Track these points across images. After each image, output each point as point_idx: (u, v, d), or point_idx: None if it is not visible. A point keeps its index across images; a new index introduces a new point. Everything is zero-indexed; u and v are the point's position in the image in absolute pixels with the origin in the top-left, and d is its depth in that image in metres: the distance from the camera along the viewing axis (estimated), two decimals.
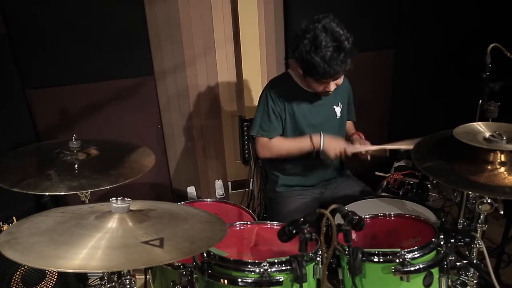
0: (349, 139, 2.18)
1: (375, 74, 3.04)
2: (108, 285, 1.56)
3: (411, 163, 2.78)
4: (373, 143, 2.19)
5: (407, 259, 1.42)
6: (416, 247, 1.45)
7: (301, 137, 2.04)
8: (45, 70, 2.43)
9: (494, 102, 1.94)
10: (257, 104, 2.12)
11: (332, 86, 1.92)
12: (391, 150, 2.02)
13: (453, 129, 1.61)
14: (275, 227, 1.70)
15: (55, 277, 2.21)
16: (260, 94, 2.11)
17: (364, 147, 2.03)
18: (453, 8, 2.93)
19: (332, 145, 1.98)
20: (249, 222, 1.74)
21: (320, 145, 1.98)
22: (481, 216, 1.58)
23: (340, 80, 1.93)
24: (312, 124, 2.06)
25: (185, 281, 1.55)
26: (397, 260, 1.42)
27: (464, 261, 1.57)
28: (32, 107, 2.45)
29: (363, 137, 2.15)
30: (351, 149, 2.00)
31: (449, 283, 1.55)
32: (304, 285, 1.37)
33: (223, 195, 3.11)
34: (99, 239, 1.08)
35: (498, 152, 1.51)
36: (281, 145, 2.06)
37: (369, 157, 2.01)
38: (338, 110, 2.13)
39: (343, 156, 2.01)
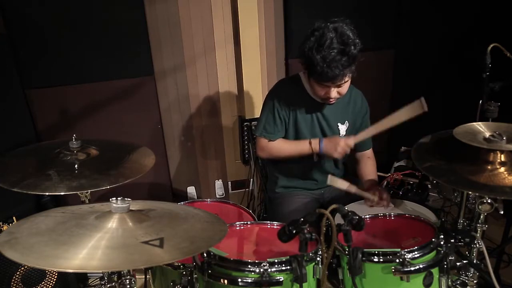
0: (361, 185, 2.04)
1: (375, 74, 3.04)
2: (108, 285, 1.56)
3: (411, 163, 2.78)
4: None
5: (407, 259, 1.41)
6: (416, 247, 1.44)
7: (300, 141, 2.02)
8: (45, 70, 2.43)
9: (494, 102, 1.94)
10: (262, 103, 2.08)
11: (333, 92, 1.85)
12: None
13: (453, 129, 1.61)
14: (275, 227, 1.69)
15: (55, 277, 2.21)
16: (267, 93, 2.08)
17: (369, 130, 1.90)
18: (453, 7, 2.93)
19: (332, 146, 1.92)
20: (249, 222, 1.74)
21: (318, 149, 1.95)
22: (481, 216, 1.58)
23: (343, 89, 1.86)
24: (313, 135, 2.02)
25: (185, 281, 1.55)
26: (397, 260, 1.42)
27: (464, 261, 1.58)
28: (32, 107, 2.45)
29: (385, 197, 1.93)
30: (353, 140, 1.90)
31: (449, 283, 1.54)
32: (304, 285, 1.36)
33: (223, 195, 3.11)
34: (99, 239, 1.08)
35: (498, 152, 1.51)
36: (281, 147, 2.04)
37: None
38: (342, 128, 2.05)
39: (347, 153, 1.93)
